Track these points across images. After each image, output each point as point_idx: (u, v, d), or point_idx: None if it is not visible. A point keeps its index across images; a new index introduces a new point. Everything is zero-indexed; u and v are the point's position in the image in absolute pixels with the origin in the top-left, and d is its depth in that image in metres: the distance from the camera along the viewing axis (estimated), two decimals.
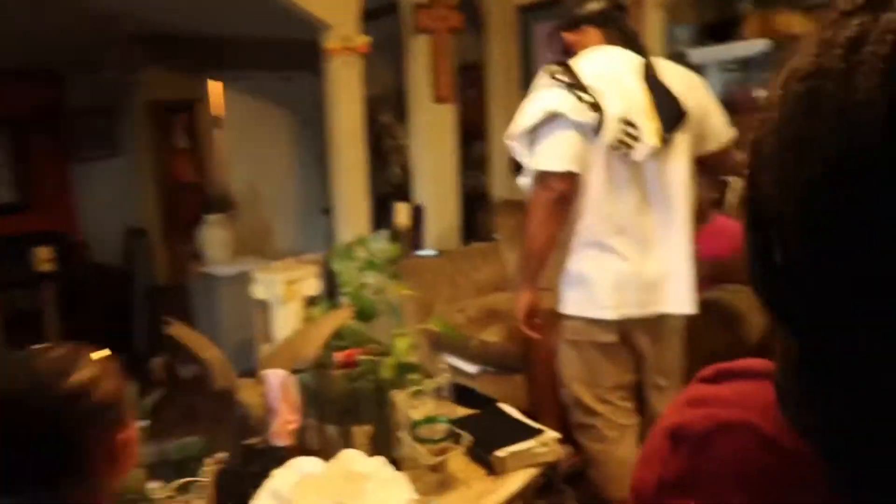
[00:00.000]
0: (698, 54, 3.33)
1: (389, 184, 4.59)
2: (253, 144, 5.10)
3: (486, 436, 1.72)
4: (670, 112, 1.78)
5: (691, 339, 2.26)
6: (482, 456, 1.66)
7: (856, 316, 0.38)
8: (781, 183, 0.40)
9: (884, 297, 0.36)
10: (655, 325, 1.92)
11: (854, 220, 0.37)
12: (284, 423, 1.53)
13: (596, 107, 1.75)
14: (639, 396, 2.07)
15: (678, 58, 3.41)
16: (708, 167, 2.00)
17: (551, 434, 1.71)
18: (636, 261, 1.84)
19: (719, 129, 1.94)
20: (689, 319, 2.27)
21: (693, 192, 1.92)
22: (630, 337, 1.93)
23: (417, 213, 3.70)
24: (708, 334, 2.24)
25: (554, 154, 1.80)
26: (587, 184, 1.82)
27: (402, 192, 4.10)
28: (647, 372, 1.99)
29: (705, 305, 2.27)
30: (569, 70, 1.80)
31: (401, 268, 3.28)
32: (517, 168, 2.01)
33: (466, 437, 1.60)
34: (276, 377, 1.53)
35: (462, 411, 1.98)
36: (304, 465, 1.48)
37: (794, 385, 0.44)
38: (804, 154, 0.39)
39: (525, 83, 3.93)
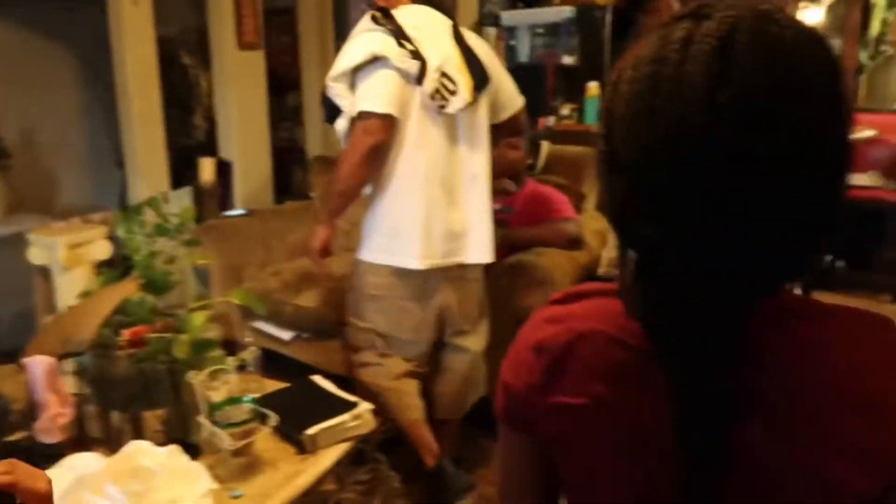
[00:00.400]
0: (509, 17, 3.37)
1: (193, 136, 4.21)
2: (28, 84, 4.39)
3: (297, 412, 1.63)
4: (478, 73, 1.87)
5: (502, 300, 2.32)
6: (292, 435, 1.57)
7: (676, 234, 0.53)
8: (631, 140, 0.54)
9: (694, 222, 0.52)
10: (457, 274, 1.98)
11: (682, 170, 0.51)
12: (53, 416, 1.32)
13: (417, 55, 1.79)
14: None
15: (491, 19, 3.45)
16: (503, 132, 2.11)
17: (365, 406, 1.65)
18: (444, 211, 1.89)
19: (513, 97, 2.06)
20: (500, 280, 2.34)
21: (492, 157, 2.00)
22: (433, 287, 1.96)
23: (224, 169, 3.43)
24: (517, 295, 2.31)
25: (376, 95, 1.79)
26: (403, 131, 1.84)
27: (207, 145, 3.78)
28: (450, 319, 2.05)
29: (515, 268, 2.33)
30: (391, 18, 1.82)
31: (205, 229, 3.04)
32: (330, 114, 1.96)
33: (273, 417, 1.49)
34: (39, 365, 1.31)
35: (272, 385, 1.86)
36: (80, 463, 1.30)
37: (633, 288, 0.59)
38: (648, 121, 0.52)
39: (339, 31, 3.76)
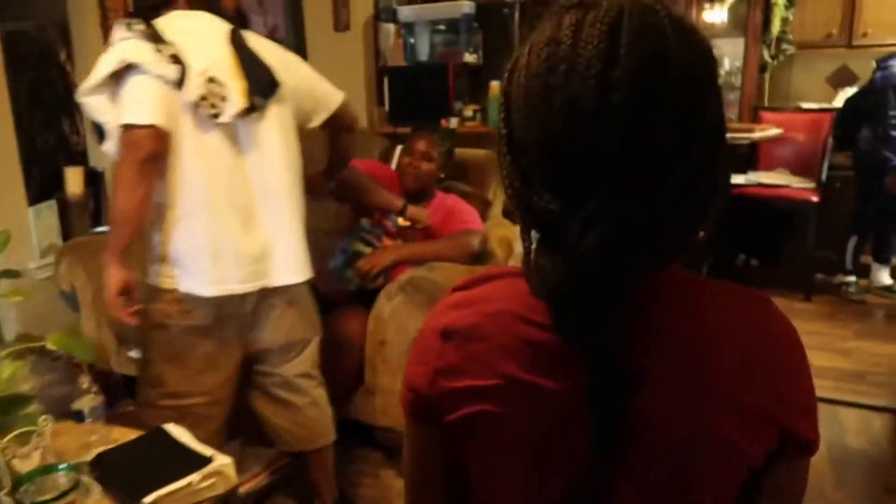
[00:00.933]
0: (407, 13, 3.17)
1: (64, 143, 3.79)
2: None
3: (139, 473, 1.37)
4: (261, 78, 1.70)
5: (395, 321, 2.11)
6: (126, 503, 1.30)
7: (574, 205, 0.58)
8: (529, 118, 0.60)
9: (590, 192, 0.57)
10: (266, 299, 1.77)
11: (578, 143, 0.57)
12: None
13: (177, 59, 1.59)
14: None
15: (388, 14, 3.23)
16: (331, 134, 2.00)
17: (221, 461, 1.40)
18: (236, 233, 1.68)
19: (327, 98, 1.92)
20: (392, 300, 2.13)
21: (299, 165, 1.81)
22: (232, 316, 1.75)
23: (95, 180, 3.07)
24: (411, 315, 2.10)
25: (136, 106, 1.57)
26: (177, 145, 1.63)
27: (78, 153, 3.40)
28: (261, 348, 1.85)
29: (407, 285, 2.13)
30: (146, 22, 1.62)
31: (72, 248, 2.69)
32: (100, 134, 1.72)
33: (94, 488, 1.22)
34: None
35: (123, 434, 1.59)
36: None
37: (536, 265, 0.62)
38: (546, 99, 0.58)
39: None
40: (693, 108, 0.58)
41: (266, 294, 1.75)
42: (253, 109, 1.65)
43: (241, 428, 2.15)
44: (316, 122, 1.89)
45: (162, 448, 1.50)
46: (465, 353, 0.64)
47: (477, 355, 0.64)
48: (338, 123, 1.94)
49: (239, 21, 1.77)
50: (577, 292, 0.58)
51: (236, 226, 1.67)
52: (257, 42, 1.74)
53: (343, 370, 2.21)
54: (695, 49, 0.59)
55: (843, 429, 2.62)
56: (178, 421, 1.73)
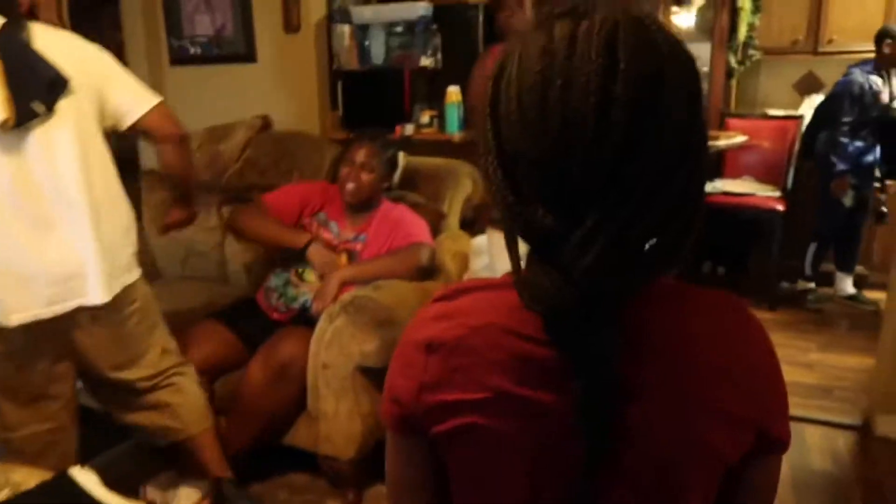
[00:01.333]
0: (361, 13, 3.04)
1: None
2: None
3: None
4: (41, 80, 1.54)
5: (338, 345, 1.98)
6: None
7: (570, 221, 0.58)
8: (524, 132, 0.59)
9: (587, 207, 0.57)
10: (86, 317, 1.66)
11: (575, 157, 0.57)
12: None
13: None
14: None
15: (342, 15, 3.10)
16: (148, 137, 1.84)
17: None
18: (32, 249, 1.56)
19: (136, 100, 1.73)
20: (334, 321, 2.01)
21: (104, 168, 1.67)
22: (54, 339, 1.65)
23: None
24: (355, 338, 1.98)
25: None
26: None
27: None
28: (100, 369, 1.76)
29: (349, 306, 2.00)
30: None
31: None
32: None
33: None
34: None
35: (25, 477, 1.45)
36: None
37: (529, 279, 0.61)
38: (542, 112, 0.58)
39: (171, 27, 3.31)
40: (686, 121, 0.59)
41: (88, 312, 1.63)
42: (30, 117, 1.50)
43: (173, 458, 2.02)
44: (122, 125, 1.71)
45: (64, 497, 1.36)
46: (451, 366, 0.64)
47: (463, 369, 0.64)
48: (152, 131, 1.77)
49: (27, 17, 1.60)
50: (576, 308, 0.58)
51: (31, 243, 1.53)
52: (47, 37, 1.57)
53: (284, 395, 2.07)
54: (685, 62, 0.60)
55: (807, 448, 2.56)
56: (23, 450, 1.66)
